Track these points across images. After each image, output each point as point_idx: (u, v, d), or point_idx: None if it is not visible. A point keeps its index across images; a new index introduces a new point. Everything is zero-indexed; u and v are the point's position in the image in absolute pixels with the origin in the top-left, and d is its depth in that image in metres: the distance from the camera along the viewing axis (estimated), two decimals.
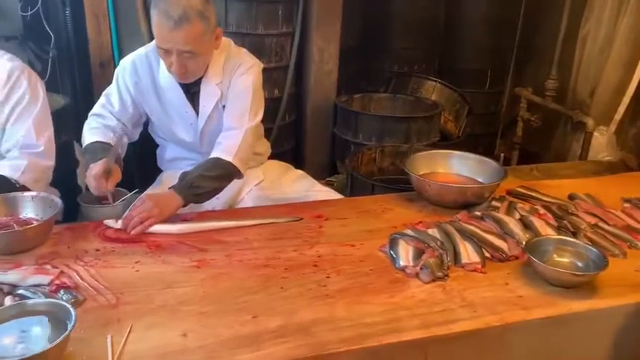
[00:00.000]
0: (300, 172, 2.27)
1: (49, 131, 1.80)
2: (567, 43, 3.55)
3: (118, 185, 1.78)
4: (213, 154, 1.79)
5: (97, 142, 1.82)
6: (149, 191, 2.02)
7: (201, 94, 1.84)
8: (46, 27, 2.97)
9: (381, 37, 3.81)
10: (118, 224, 1.61)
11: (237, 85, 1.84)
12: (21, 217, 1.58)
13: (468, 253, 1.51)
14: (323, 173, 3.05)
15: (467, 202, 1.80)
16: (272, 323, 1.22)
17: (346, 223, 1.71)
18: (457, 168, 2.01)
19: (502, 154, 3.99)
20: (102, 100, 1.94)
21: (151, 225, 1.58)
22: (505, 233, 1.61)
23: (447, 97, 3.41)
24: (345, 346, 1.16)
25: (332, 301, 1.31)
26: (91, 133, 1.86)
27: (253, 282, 1.38)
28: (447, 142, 3.26)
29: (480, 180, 1.94)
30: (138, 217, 1.58)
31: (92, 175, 1.67)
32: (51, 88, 2.88)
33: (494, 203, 1.81)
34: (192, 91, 1.85)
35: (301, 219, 1.71)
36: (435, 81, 3.46)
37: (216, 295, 1.32)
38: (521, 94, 3.84)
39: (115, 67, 2.88)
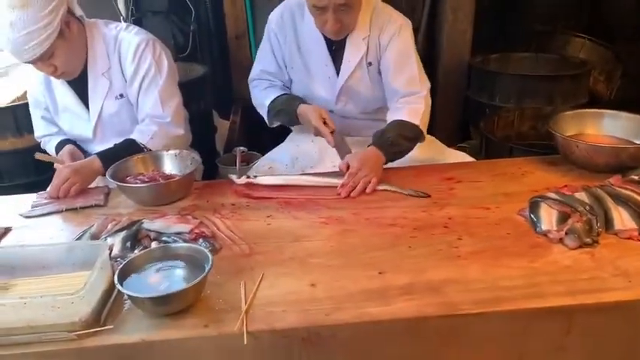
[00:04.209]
0: (429, 136, 2.17)
1: (175, 101, 1.87)
2: None
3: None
4: (400, 117, 1.77)
5: (281, 95, 1.89)
6: (281, 149, 2.07)
7: (347, 49, 1.82)
8: (188, 2, 3.17)
9: None
10: (241, 180, 1.67)
11: (396, 47, 1.80)
12: (166, 172, 1.70)
13: (623, 219, 1.35)
14: (453, 139, 2.92)
15: (621, 164, 1.60)
16: (399, 280, 1.18)
17: (480, 186, 1.61)
18: (609, 129, 1.80)
19: None
20: (257, 66, 1.98)
21: (374, 185, 1.60)
22: None
23: (598, 56, 3.08)
24: (478, 308, 1.09)
25: (464, 262, 1.24)
26: (268, 92, 1.93)
27: (380, 240, 1.35)
28: (596, 105, 2.94)
29: (636, 142, 1.72)
30: (362, 183, 1.60)
31: (319, 112, 1.75)
32: (191, 59, 3.10)
33: None
34: (335, 47, 1.83)
35: (429, 196, 1.58)
36: (584, 37, 3.13)
37: (343, 250, 1.31)
38: None
39: (249, 38, 3.00)
